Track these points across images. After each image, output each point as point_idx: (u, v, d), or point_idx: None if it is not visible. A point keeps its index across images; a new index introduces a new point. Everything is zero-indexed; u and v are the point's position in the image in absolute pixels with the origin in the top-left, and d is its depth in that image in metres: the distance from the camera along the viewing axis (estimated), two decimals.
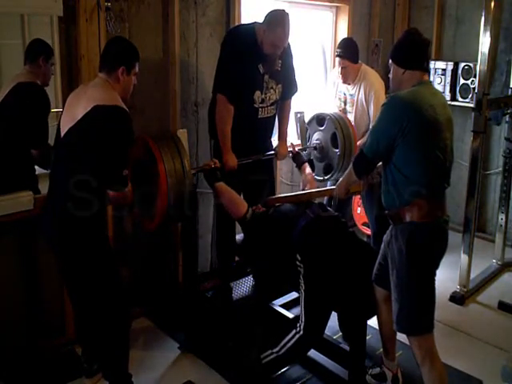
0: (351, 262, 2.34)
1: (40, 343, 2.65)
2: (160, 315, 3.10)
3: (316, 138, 3.32)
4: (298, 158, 3.02)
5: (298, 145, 3.26)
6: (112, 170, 2.06)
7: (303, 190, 2.82)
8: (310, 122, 3.38)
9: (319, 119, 3.31)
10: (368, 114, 3.29)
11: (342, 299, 2.35)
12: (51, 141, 2.38)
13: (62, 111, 2.21)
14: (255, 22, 2.81)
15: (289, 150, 3.05)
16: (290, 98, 3.05)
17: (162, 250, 3.21)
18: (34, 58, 2.56)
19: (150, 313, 3.11)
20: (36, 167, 2.65)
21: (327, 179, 3.33)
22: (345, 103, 3.40)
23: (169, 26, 2.96)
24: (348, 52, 3.23)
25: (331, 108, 3.41)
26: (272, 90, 2.86)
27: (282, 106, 3.01)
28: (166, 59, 3.00)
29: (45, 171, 2.63)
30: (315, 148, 3.29)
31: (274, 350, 2.38)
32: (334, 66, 4.29)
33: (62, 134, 2.10)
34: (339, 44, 3.32)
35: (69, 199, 2.06)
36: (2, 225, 2.40)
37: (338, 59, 3.27)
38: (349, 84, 3.33)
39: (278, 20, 2.68)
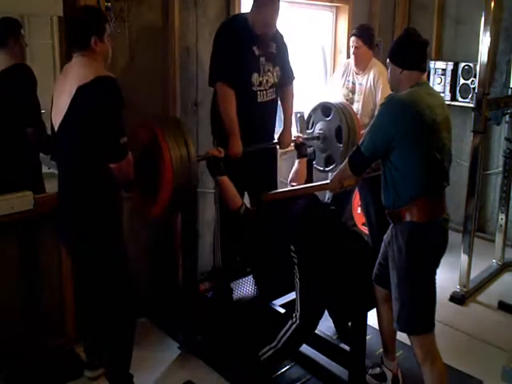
0: (343, 249, 2.37)
1: (40, 343, 2.65)
2: (160, 315, 3.10)
3: (319, 127, 3.28)
4: (300, 149, 2.97)
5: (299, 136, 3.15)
6: (110, 141, 2.01)
7: (291, 182, 2.85)
8: (315, 109, 3.32)
9: (325, 108, 3.26)
10: (375, 101, 3.32)
11: (336, 286, 2.36)
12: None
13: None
14: (247, 12, 2.85)
15: (293, 138, 3.03)
16: (291, 85, 3.04)
17: (162, 249, 3.21)
18: (2, 42, 2.49)
19: (150, 313, 3.11)
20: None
21: (328, 171, 3.32)
22: (352, 92, 3.42)
23: (169, 26, 2.96)
24: (363, 32, 3.29)
25: (337, 97, 3.41)
26: (269, 73, 2.86)
27: (283, 93, 3.01)
28: (165, 59, 3.00)
29: (48, 171, 2.65)
30: (318, 138, 3.26)
31: (272, 345, 2.39)
32: (334, 66, 4.31)
33: (56, 127, 2.08)
34: (356, 26, 3.41)
35: (79, 192, 2.07)
36: (2, 225, 2.40)
37: (352, 39, 3.32)
38: (358, 74, 3.37)
39: None
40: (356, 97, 3.40)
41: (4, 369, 2.49)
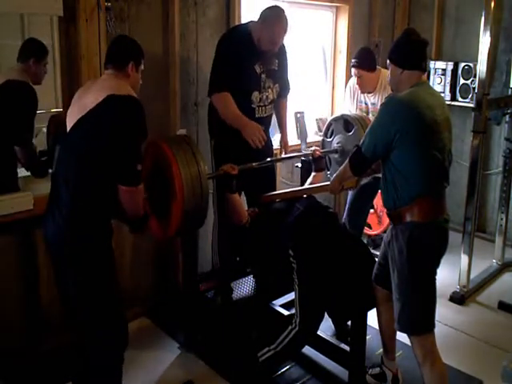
0: (341, 253, 2.37)
1: (40, 343, 2.65)
2: (160, 315, 3.10)
3: (338, 140, 3.21)
4: (318, 163, 2.93)
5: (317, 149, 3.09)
6: (125, 164, 1.91)
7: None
8: (337, 120, 3.24)
9: (346, 122, 3.17)
10: None
11: (335, 290, 2.36)
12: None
13: (63, 110, 2.19)
14: (250, 21, 2.81)
15: (310, 151, 3.00)
16: (286, 97, 3.08)
17: (162, 250, 3.21)
18: (24, 59, 2.58)
19: (150, 313, 3.11)
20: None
21: None
22: (367, 113, 3.36)
23: (169, 26, 2.96)
24: (362, 60, 3.20)
25: (357, 113, 3.34)
26: (269, 90, 2.86)
27: (279, 104, 3.02)
28: (165, 59, 3.00)
29: (26, 173, 2.65)
30: (336, 151, 3.21)
31: (271, 347, 2.40)
32: (334, 67, 4.31)
33: (70, 126, 1.97)
34: (354, 54, 3.31)
35: (77, 198, 1.93)
36: (2, 225, 2.39)
37: (352, 70, 3.25)
38: (369, 93, 3.30)
39: (274, 16, 2.68)
40: (371, 117, 3.31)
41: (4, 369, 2.49)
